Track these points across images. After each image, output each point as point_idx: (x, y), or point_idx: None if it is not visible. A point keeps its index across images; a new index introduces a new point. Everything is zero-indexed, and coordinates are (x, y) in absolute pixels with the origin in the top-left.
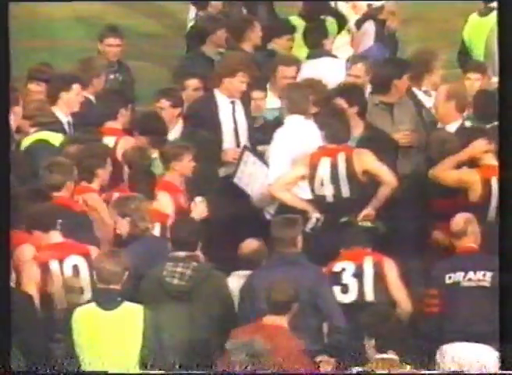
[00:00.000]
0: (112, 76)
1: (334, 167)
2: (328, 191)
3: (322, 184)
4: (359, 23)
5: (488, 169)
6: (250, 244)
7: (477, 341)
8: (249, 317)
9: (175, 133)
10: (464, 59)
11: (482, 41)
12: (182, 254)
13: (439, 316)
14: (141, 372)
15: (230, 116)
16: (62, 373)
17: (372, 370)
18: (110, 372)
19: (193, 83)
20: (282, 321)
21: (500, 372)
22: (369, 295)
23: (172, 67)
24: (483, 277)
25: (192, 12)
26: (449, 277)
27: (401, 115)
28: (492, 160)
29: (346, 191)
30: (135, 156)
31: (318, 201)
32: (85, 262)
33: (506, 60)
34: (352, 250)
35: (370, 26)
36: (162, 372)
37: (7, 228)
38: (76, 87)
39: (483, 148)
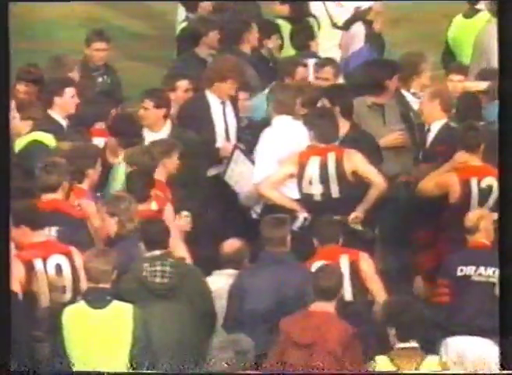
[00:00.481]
0: (100, 80)
1: (324, 167)
2: (316, 190)
3: (311, 183)
4: (347, 25)
5: (467, 170)
6: (232, 244)
7: (480, 336)
8: (238, 316)
9: (162, 134)
10: (448, 61)
11: (467, 43)
12: (157, 252)
13: (448, 307)
14: (138, 371)
15: (221, 116)
16: (63, 372)
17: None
18: (102, 371)
19: (183, 84)
20: (329, 307)
21: (500, 372)
22: (348, 295)
23: (161, 68)
24: (493, 274)
25: (181, 13)
26: (461, 270)
27: (391, 116)
28: (473, 161)
29: (335, 191)
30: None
31: (305, 200)
32: (67, 261)
33: (507, 60)
34: (328, 247)
35: (359, 28)
36: (156, 371)
37: (7, 228)
38: (69, 90)
39: (464, 160)
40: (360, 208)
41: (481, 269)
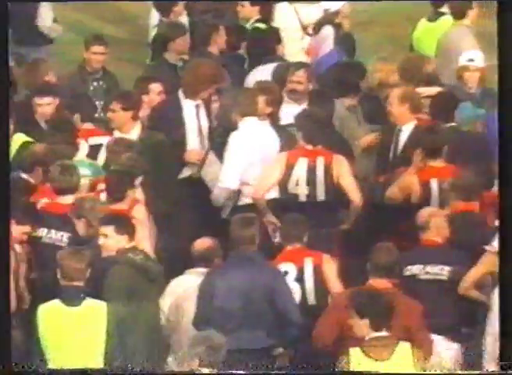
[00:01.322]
0: (95, 84)
1: (312, 169)
2: (301, 191)
3: (297, 184)
4: (317, 28)
5: (428, 171)
6: (202, 242)
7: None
8: (207, 313)
9: (131, 135)
10: None
11: (431, 46)
12: None
13: None
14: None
15: (194, 119)
16: (63, 372)
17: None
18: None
19: (156, 87)
20: (389, 284)
21: (500, 372)
22: (311, 299)
23: (136, 72)
24: (440, 271)
25: (155, 18)
26: (408, 270)
27: (365, 117)
28: (435, 163)
29: (321, 194)
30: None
31: (289, 200)
32: None
33: (507, 60)
34: (293, 247)
35: (328, 31)
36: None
37: (7, 227)
38: (48, 99)
39: (425, 162)
40: (346, 223)
41: (429, 268)
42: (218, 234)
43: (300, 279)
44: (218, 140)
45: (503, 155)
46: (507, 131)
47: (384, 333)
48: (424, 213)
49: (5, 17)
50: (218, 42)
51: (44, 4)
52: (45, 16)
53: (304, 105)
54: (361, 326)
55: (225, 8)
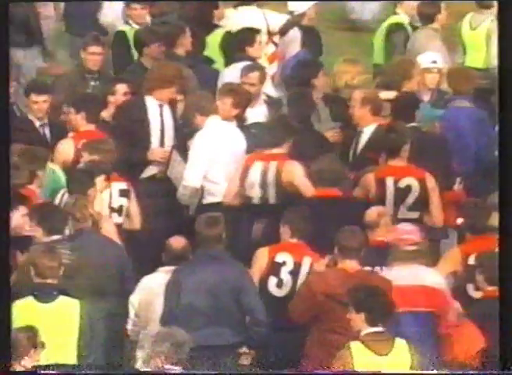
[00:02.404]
0: (92, 83)
1: (265, 173)
2: (255, 194)
3: (252, 187)
4: (284, 30)
5: (385, 170)
6: (176, 241)
7: None
8: (174, 311)
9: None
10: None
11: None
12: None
13: None
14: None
15: (158, 119)
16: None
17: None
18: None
19: (121, 87)
20: (358, 266)
21: (500, 372)
22: None
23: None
24: (381, 271)
25: (119, 19)
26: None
27: (323, 114)
28: (394, 162)
29: (272, 197)
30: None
31: (244, 203)
32: None
33: (507, 60)
34: (292, 242)
35: (296, 33)
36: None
37: (6, 226)
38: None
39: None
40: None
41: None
42: (185, 232)
43: (295, 272)
44: (183, 139)
45: (503, 156)
46: (507, 131)
47: (380, 328)
48: (372, 212)
49: (5, 17)
50: (185, 44)
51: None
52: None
53: (258, 106)
54: (357, 321)
55: (190, 10)
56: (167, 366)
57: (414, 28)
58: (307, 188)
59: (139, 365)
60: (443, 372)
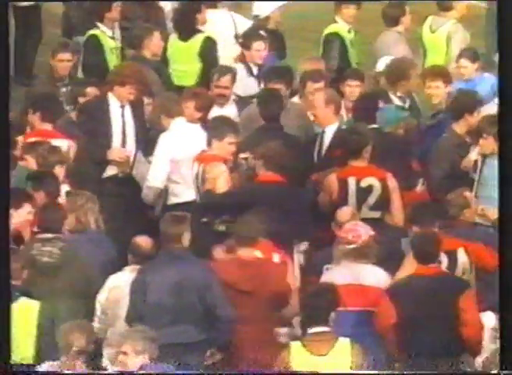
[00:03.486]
0: (63, 90)
1: (197, 173)
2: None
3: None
4: (249, 34)
5: (347, 170)
6: (141, 240)
7: None
8: (140, 310)
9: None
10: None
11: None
12: (49, 235)
13: None
14: None
15: (120, 119)
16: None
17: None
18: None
19: (91, 90)
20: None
21: (500, 372)
22: None
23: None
24: None
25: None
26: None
27: (288, 119)
28: (356, 162)
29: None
30: None
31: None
32: None
33: (507, 60)
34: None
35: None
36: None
37: (6, 225)
38: None
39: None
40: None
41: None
42: (151, 232)
43: None
44: (149, 141)
45: (503, 157)
46: (507, 131)
47: (325, 328)
48: (341, 213)
49: (5, 17)
50: (151, 46)
51: None
52: None
53: (228, 108)
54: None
55: (156, 13)
56: (136, 363)
57: (355, 35)
58: (223, 188)
59: (106, 362)
60: (440, 372)
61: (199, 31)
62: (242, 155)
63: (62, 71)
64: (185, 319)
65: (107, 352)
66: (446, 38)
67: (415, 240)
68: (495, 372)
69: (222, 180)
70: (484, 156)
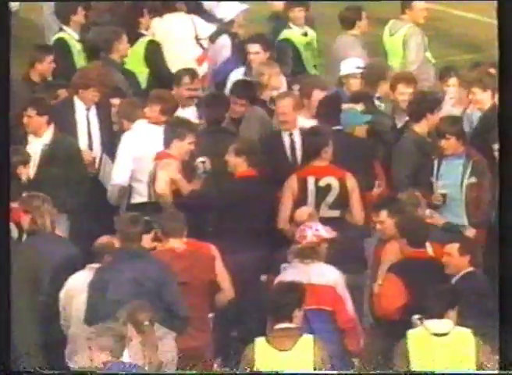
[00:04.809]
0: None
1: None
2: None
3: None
4: (214, 37)
5: (306, 170)
6: (103, 240)
7: None
8: (99, 309)
9: (44, 139)
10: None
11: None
12: None
13: None
14: None
15: (85, 121)
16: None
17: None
18: None
19: (62, 92)
20: None
21: (500, 372)
22: None
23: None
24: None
25: (54, 25)
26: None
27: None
28: (316, 162)
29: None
30: None
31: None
32: None
33: (507, 60)
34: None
35: (225, 40)
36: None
37: (6, 225)
38: None
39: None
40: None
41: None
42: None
43: None
44: (114, 143)
45: (504, 155)
46: (507, 131)
47: (289, 324)
48: (299, 213)
49: (5, 17)
50: (120, 49)
51: None
52: None
53: (190, 109)
54: None
55: (125, 17)
56: (113, 360)
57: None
58: (184, 186)
59: (79, 363)
60: (440, 371)
61: (142, 35)
62: (200, 159)
63: (36, 77)
64: None
65: (70, 349)
66: (402, 41)
67: (406, 225)
68: (495, 372)
69: (167, 179)
70: (445, 156)
